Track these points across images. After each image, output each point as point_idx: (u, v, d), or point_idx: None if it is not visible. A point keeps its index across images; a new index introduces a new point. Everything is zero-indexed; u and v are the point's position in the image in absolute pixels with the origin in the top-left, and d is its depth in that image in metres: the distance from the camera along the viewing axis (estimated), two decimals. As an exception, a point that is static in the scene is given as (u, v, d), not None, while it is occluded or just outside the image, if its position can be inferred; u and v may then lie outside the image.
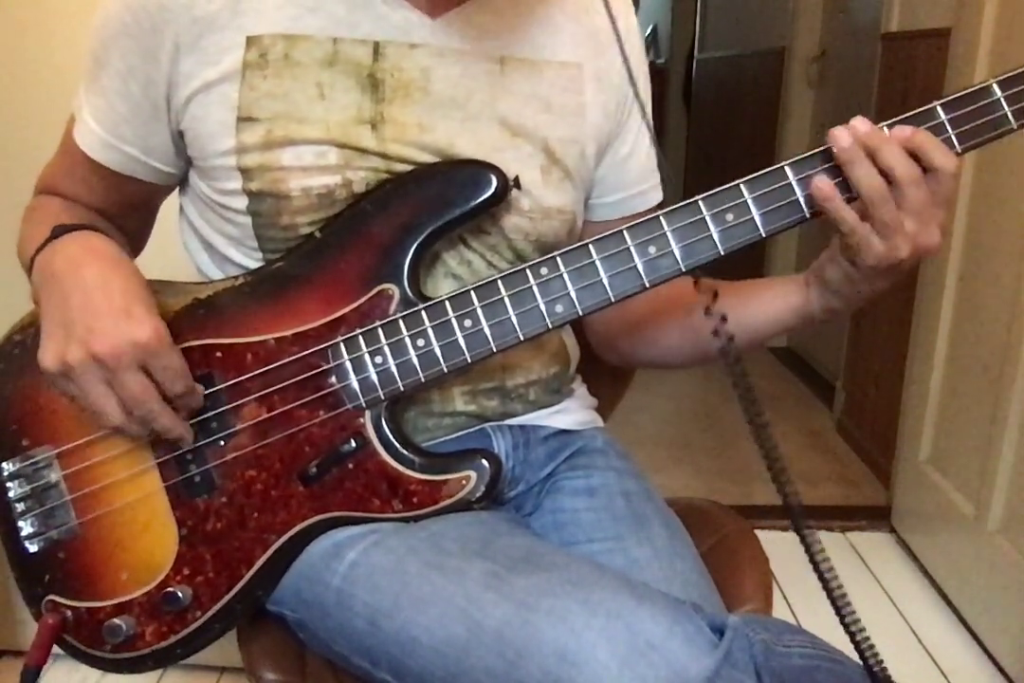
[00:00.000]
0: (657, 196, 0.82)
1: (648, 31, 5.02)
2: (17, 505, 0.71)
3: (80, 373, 0.62)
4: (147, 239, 0.83)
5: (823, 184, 0.60)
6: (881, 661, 0.62)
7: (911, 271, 0.63)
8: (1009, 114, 0.59)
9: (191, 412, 0.67)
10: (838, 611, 0.61)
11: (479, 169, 0.67)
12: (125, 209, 0.77)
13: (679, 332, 0.78)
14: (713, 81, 4.11)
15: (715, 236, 0.62)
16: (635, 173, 0.80)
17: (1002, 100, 0.59)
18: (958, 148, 0.60)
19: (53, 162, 0.77)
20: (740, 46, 3.68)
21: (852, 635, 0.61)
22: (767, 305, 0.71)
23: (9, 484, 0.71)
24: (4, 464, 0.71)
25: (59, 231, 0.68)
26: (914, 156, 0.59)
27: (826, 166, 0.61)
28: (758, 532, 0.90)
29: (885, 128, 0.60)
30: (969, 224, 1.58)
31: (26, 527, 0.71)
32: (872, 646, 0.61)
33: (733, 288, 0.74)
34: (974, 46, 1.53)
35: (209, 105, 0.66)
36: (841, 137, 0.59)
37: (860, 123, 0.59)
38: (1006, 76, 0.59)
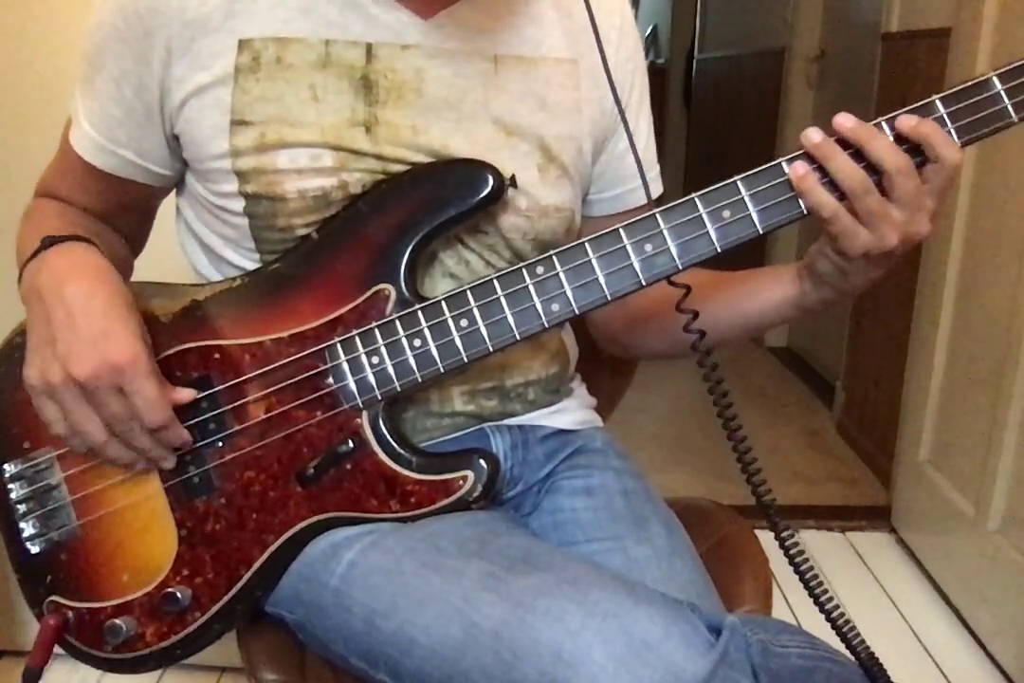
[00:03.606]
0: (657, 188, 0.82)
1: (648, 31, 5.02)
2: (19, 507, 0.71)
3: (61, 393, 0.63)
4: (146, 240, 0.83)
5: (799, 166, 0.60)
6: (865, 643, 0.62)
7: (906, 261, 0.63)
8: (1009, 107, 0.59)
9: (172, 445, 0.67)
10: (811, 591, 0.61)
11: (475, 168, 0.67)
12: (122, 211, 0.78)
13: (678, 326, 0.78)
14: (713, 81, 4.11)
15: (712, 233, 0.62)
16: (634, 168, 0.79)
17: (1002, 93, 0.59)
18: (958, 142, 0.60)
19: (52, 165, 0.78)
20: (740, 46, 3.68)
21: (833, 622, 0.62)
22: (761, 297, 0.71)
23: (11, 486, 0.71)
24: (5, 466, 0.72)
25: (48, 242, 0.68)
26: (918, 146, 0.59)
27: (807, 163, 0.60)
28: (758, 532, 0.90)
29: (884, 124, 0.60)
30: (969, 224, 1.58)
31: (28, 528, 0.71)
32: (853, 626, 0.62)
33: (726, 279, 0.74)
34: (974, 46, 1.52)
35: (202, 109, 0.67)
36: (813, 135, 0.59)
37: (845, 119, 0.59)
38: (1006, 69, 0.59)
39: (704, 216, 0.62)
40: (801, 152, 0.61)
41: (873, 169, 0.59)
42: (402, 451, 0.67)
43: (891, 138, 0.59)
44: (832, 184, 0.60)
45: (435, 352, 0.66)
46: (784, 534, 0.63)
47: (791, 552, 0.63)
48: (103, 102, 0.70)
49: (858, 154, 0.59)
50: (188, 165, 0.72)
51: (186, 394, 0.67)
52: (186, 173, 0.73)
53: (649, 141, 0.82)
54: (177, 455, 0.68)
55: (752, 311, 0.72)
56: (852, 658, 0.62)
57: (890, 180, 0.58)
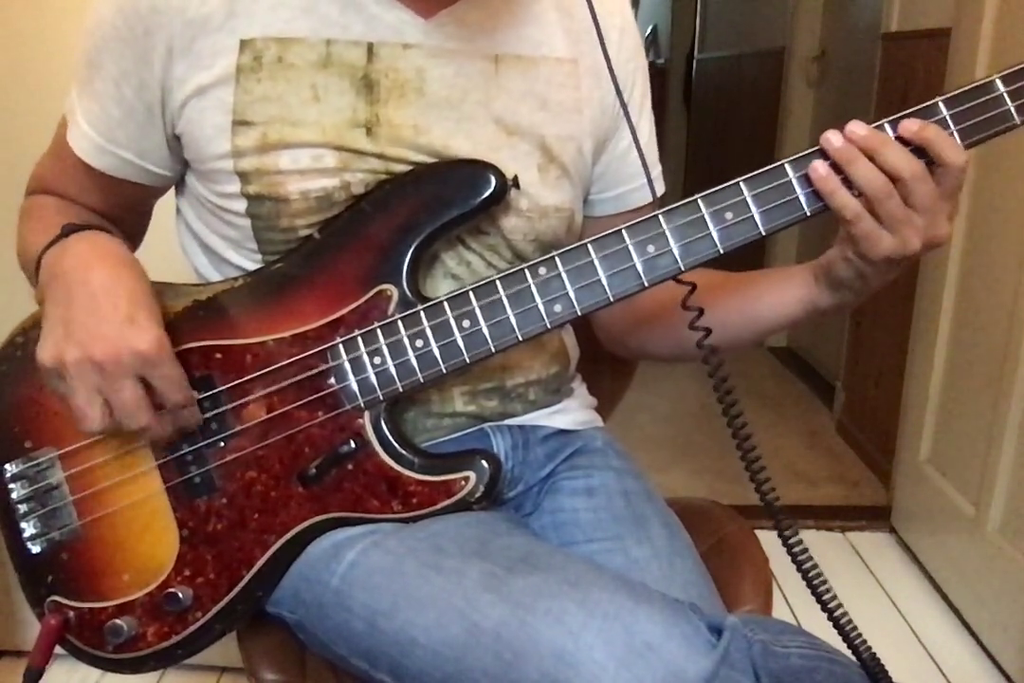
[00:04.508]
0: (659, 188, 0.82)
1: (648, 31, 5.02)
2: (20, 506, 0.71)
3: (74, 374, 0.62)
4: (142, 238, 0.83)
5: (819, 166, 0.60)
6: (868, 644, 0.62)
7: (916, 262, 0.63)
8: (1012, 109, 0.59)
9: (186, 428, 0.67)
10: (814, 591, 0.62)
11: (478, 169, 0.67)
12: (120, 210, 0.78)
13: (682, 327, 0.77)
14: (713, 81, 4.11)
15: (714, 235, 0.62)
16: (635, 167, 0.79)
17: (1005, 95, 0.59)
18: (960, 144, 0.60)
19: (44, 163, 0.77)
20: (740, 46, 3.68)
21: (836, 621, 0.62)
22: (773, 299, 0.71)
23: (12, 486, 0.71)
24: (7, 466, 0.72)
25: (69, 229, 0.68)
26: (922, 150, 0.59)
27: (826, 162, 0.60)
28: (758, 532, 0.90)
29: (887, 125, 0.60)
30: (969, 224, 1.58)
31: (29, 528, 0.71)
32: (855, 628, 0.62)
33: (737, 280, 0.74)
34: (974, 46, 1.53)
35: (204, 109, 0.67)
36: (833, 139, 0.59)
37: (857, 127, 0.59)
38: (1009, 71, 0.59)
39: (707, 217, 0.62)
40: (805, 153, 0.61)
41: (889, 176, 0.59)
42: (404, 452, 0.67)
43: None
44: (847, 186, 0.60)
45: (437, 353, 0.66)
46: (787, 533, 0.63)
47: (795, 550, 0.63)
48: (103, 102, 0.69)
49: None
50: (189, 166, 0.72)
51: None
52: (187, 174, 0.73)
53: (651, 141, 0.82)
54: (178, 454, 0.68)
55: (763, 313, 0.71)
56: (853, 658, 0.62)
57: (906, 187, 0.59)
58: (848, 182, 0.60)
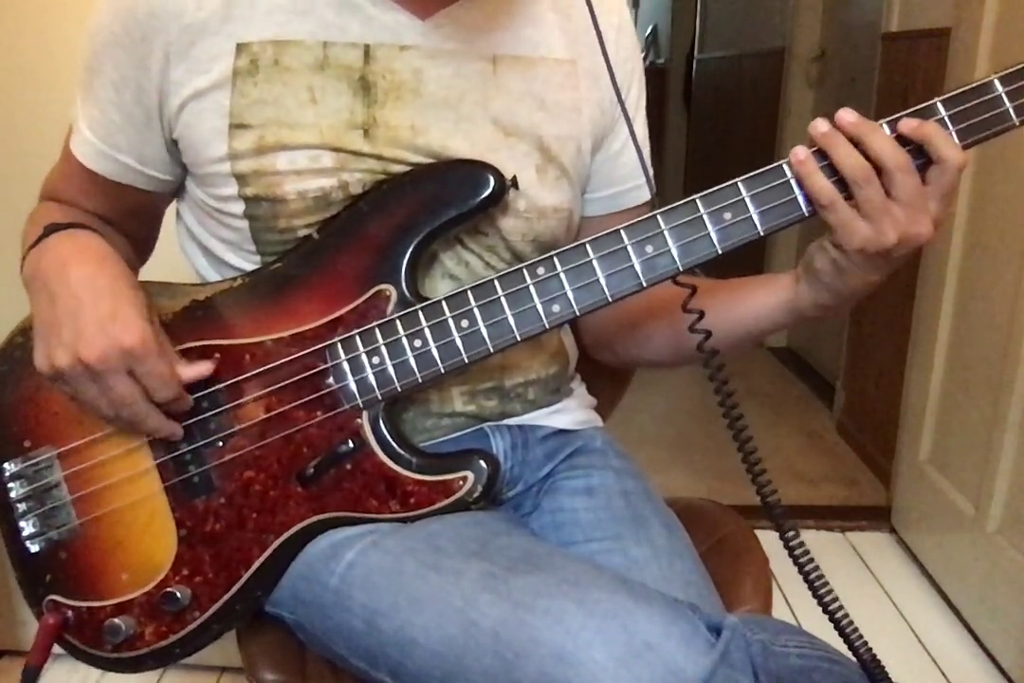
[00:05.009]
0: (646, 194, 0.82)
1: (648, 31, 5.02)
2: (18, 505, 0.71)
3: (69, 376, 0.64)
4: (154, 245, 0.83)
5: (799, 150, 0.60)
6: (869, 646, 0.62)
7: (906, 262, 0.63)
8: (1011, 110, 0.59)
9: (180, 414, 0.67)
10: (812, 589, 0.62)
11: (476, 169, 0.67)
12: (126, 216, 0.78)
13: (671, 332, 0.77)
14: (713, 81, 4.11)
15: (713, 235, 0.62)
16: (628, 168, 0.79)
17: (1003, 96, 0.59)
18: (959, 145, 0.59)
19: (55, 169, 0.78)
20: (740, 46, 3.68)
21: (836, 622, 0.62)
22: (755, 302, 0.71)
23: (10, 485, 0.72)
24: (5, 465, 0.72)
25: (50, 229, 0.68)
26: (920, 148, 0.59)
27: (823, 163, 0.60)
28: (758, 532, 0.90)
29: (885, 125, 0.60)
30: (969, 224, 1.58)
31: (27, 527, 0.71)
32: (856, 629, 0.62)
33: (722, 286, 0.74)
34: (974, 46, 1.53)
35: (201, 113, 0.67)
36: (819, 125, 0.59)
37: (847, 113, 0.59)
38: (1007, 71, 0.59)
39: (705, 217, 0.62)
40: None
41: (874, 166, 0.59)
42: (402, 451, 0.67)
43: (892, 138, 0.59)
44: (837, 180, 0.59)
45: (435, 352, 0.66)
46: (789, 534, 0.63)
47: (795, 552, 0.63)
48: (103, 107, 0.70)
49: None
50: (187, 170, 0.72)
51: (195, 370, 0.67)
52: (186, 178, 0.73)
53: (644, 145, 0.81)
54: (177, 454, 0.68)
55: (747, 316, 0.71)
56: (853, 658, 0.62)
57: (890, 177, 0.58)
58: (832, 172, 0.59)
